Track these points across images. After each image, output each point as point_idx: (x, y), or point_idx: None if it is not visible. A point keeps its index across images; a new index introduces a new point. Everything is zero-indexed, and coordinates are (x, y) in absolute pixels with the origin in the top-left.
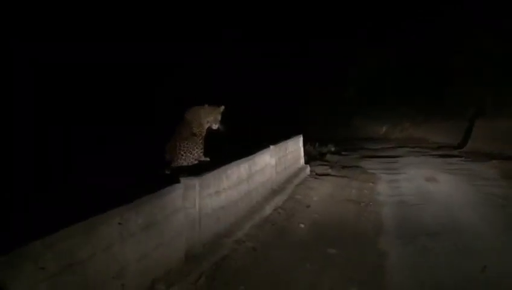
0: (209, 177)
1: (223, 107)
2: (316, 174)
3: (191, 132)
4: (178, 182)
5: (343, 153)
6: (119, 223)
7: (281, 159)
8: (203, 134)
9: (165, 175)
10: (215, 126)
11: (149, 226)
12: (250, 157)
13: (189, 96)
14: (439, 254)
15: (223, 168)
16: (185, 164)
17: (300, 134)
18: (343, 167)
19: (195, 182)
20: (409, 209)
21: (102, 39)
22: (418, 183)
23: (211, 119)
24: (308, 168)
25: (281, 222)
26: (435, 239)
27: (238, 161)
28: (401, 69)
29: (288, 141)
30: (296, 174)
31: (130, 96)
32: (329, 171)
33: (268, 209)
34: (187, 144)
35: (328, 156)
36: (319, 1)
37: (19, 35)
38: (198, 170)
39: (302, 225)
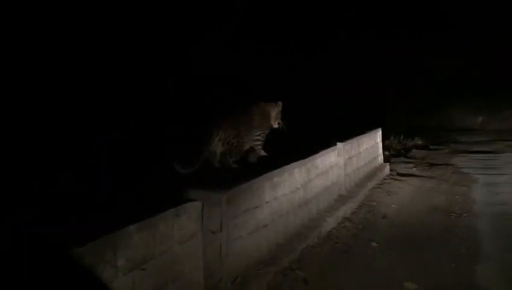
0: (243, 189)
1: (280, 104)
2: (397, 174)
3: (256, 126)
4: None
5: (431, 147)
6: None
7: (352, 159)
8: (267, 131)
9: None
10: (276, 124)
11: (143, 262)
12: (308, 159)
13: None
14: None
15: (267, 175)
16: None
17: (378, 128)
18: (431, 165)
19: (219, 196)
20: None
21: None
22: None
23: (275, 115)
24: (387, 167)
25: (347, 239)
26: None
27: (291, 165)
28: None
29: (362, 136)
30: (371, 175)
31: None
32: (414, 170)
33: (331, 223)
34: (253, 136)
35: (413, 152)
36: None
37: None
38: (236, 177)
39: (374, 244)
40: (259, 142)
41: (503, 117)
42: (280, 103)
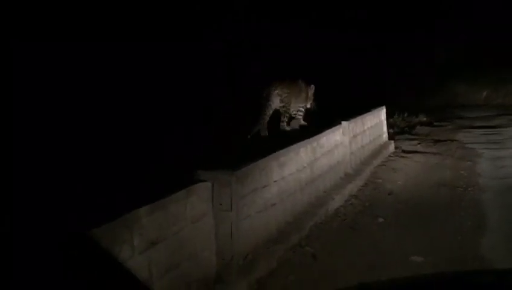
0: (252, 169)
1: (313, 87)
2: (402, 151)
3: (300, 97)
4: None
5: (435, 123)
6: None
7: (357, 137)
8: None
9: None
10: (309, 105)
11: (157, 242)
12: (314, 138)
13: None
14: None
15: (274, 155)
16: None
17: (383, 106)
18: (436, 142)
19: (229, 177)
20: None
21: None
22: None
23: (310, 96)
24: (392, 145)
25: (354, 216)
26: None
27: (297, 145)
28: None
29: (366, 114)
30: (377, 152)
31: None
32: (418, 147)
33: (338, 200)
34: (297, 106)
35: (418, 128)
36: None
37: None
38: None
39: (380, 220)
40: (301, 113)
41: (507, 92)
42: (313, 86)
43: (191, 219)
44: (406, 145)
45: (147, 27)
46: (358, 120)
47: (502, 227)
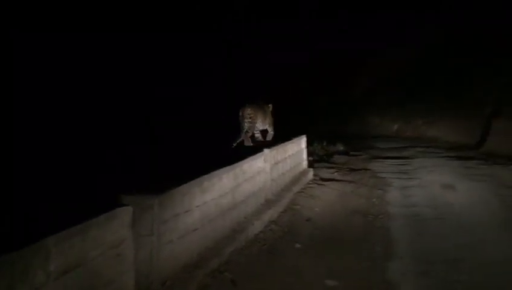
0: (174, 194)
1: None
2: (321, 178)
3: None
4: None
5: (351, 153)
6: None
7: (278, 164)
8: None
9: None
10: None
11: (74, 267)
12: (237, 164)
13: None
14: None
15: (198, 180)
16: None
17: (303, 134)
18: (351, 170)
19: (152, 201)
20: (425, 225)
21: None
22: (433, 192)
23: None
24: (311, 172)
25: (273, 241)
26: (457, 269)
27: (220, 170)
28: (412, 65)
29: (287, 142)
30: (296, 180)
31: None
32: (335, 175)
33: (258, 226)
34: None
35: (335, 157)
36: None
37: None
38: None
39: (298, 245)
40: (272, 130)
41: (416, 125)
42: (271, 105)
43: (111, 244)
44: (324, 173)
45: (146, 21)
46: (280, 148)
47: (409, 253)
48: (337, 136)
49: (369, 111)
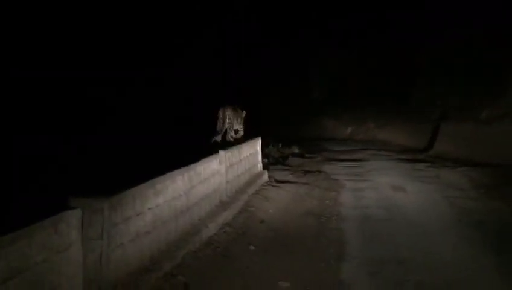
0: (127, 196)
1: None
2: (275, 180)
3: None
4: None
5: (306, 155)
6: None
7: (234, 166)
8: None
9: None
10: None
11: (17, 273)
12: (191, 166)
13: None
14: None
15: (150, 182)
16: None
17: (258, 136)
18: (306, 172)
19: (102, 204)
20: (376, 226)
21: None
22: (384, 193)
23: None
24: (266, 174)
25: (227, 244)
26: (407, 269)
27: (174, 172)
28: (364, 69)
29: (243, 144)
30: (251, 182)
31: None
32: (290, 177)
33: (213, 228)
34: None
35: (290, 159)
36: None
37: None
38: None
39: (252, 247)
40: (242, 130)
41: (367, 129)
42: (244, 112)
43: (58, 249)
44: (279, 175)
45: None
46: (235, 149)
47: (361, 253)
48: (292, 139)
49: (324, 114)
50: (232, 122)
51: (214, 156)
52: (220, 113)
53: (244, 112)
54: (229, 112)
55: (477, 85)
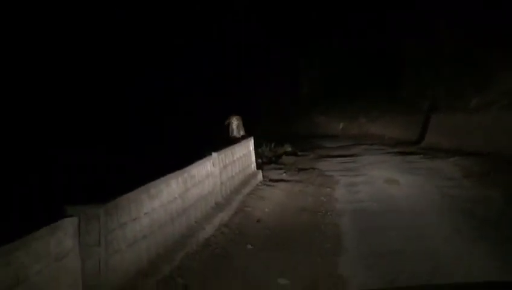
0: (122, 201)
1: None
2: (270, 180)
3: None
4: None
5: (299, 153)
6: None
7: (227, 167)
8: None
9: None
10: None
11: (15, 284)
12: (185, 169)
13: None
14: (410, 283)
15: (145, 187)
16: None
17: (250, 137)
18: (299, 170)
19: (98, 211)
20: (371, 219)
21: None
22: (378, 187)
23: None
24: (260, 174)
25: (225, 244)
26: (401, 260)
27: (168, 176)
28: (352, 61)
29: (235, 145)
30: (245, 182)
31: None
32: (284, 175)
33: (209, 230)
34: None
35: (284, 158)
36: None
37: None
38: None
39: (249, 246)
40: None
41: (360, 124)
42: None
43: (55, 257)
44: (273, 174)
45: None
46: (228, 151)
47: (356, 247)
48: (284, 137)
49: (315, 111)
50: (239, 127)
51: (207, 158)
52: (230, 119)
53: (240, 117)
54: (237, 118)
55: (466, 74)
